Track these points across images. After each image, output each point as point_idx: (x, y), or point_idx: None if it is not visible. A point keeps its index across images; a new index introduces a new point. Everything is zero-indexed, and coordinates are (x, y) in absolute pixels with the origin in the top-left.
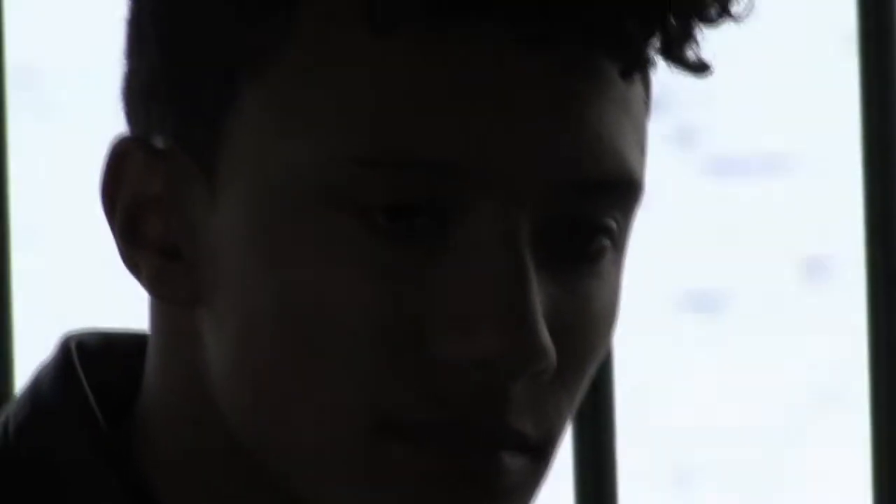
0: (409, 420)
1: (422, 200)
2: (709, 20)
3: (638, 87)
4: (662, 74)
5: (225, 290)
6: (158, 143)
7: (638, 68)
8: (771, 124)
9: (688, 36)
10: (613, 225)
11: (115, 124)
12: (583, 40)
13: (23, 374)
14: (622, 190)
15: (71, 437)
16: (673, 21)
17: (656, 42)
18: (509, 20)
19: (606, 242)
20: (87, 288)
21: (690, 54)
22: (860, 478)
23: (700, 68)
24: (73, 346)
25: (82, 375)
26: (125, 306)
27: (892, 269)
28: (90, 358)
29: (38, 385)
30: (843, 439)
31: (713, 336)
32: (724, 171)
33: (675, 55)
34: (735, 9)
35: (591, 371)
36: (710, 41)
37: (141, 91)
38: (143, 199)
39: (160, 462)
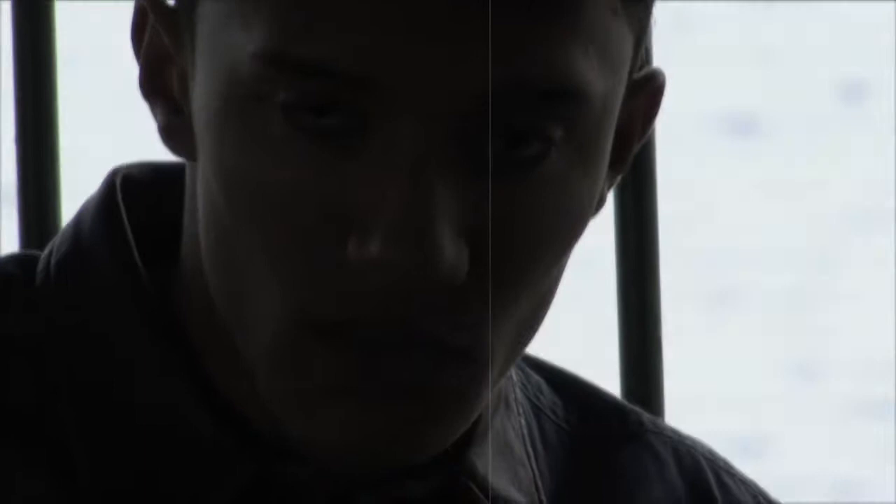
0: (325, 319)
1: (332, 103)
2: None
3: None
4: None
5: (201, 157)
6: (171, 2)
7: None
8: None
9: None
10: (556, 132)
11: None
12: None
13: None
14: (555, 97)
15: (107, 279)
16: None
17: None
18: None
19: (549, 148)
20: (126, 110)
21: None
22: None
23: None
24: (118, 180)
25: (124, 213)
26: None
27: None
28: (137, 189)
29: (80, 221)
30: (881, 258)
31: (749, 156)
32: None
33: None
34: None
35: (538, 274)
36: None
37: None
38: (159, 52)
39: (193, 308)
